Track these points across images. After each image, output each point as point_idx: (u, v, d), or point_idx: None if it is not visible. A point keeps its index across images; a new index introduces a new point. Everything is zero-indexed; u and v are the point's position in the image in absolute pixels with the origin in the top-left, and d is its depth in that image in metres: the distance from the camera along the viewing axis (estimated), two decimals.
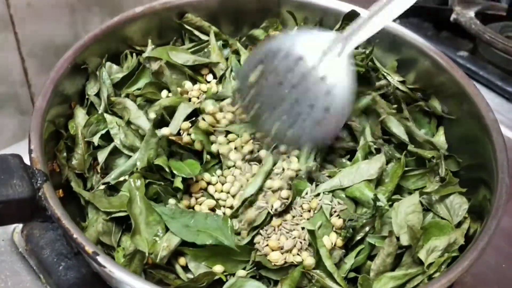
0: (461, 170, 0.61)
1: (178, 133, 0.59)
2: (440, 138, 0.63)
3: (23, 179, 0.47)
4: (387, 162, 0.59)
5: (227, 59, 0.69)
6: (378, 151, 0.60)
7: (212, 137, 0.60)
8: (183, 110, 0.60)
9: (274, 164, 0.58)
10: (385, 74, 0.67)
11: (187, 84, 0.65)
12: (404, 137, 0.61)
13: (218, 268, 0.52)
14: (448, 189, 0.56)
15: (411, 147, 0.60)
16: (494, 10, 0.98)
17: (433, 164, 0.58)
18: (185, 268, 0.53)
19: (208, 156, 0.59)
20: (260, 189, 0.56)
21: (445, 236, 0.53)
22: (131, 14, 0.66)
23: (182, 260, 0.53)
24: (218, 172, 0.59)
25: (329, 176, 0.58)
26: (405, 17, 0.99)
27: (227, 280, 0.51)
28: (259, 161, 0.59)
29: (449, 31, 0.99)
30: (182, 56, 0.66)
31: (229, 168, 0.59)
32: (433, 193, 0.56)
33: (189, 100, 0.64)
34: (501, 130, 0.57)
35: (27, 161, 0.50)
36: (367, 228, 0.54)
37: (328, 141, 0.59)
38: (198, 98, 0.64)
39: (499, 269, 0.66)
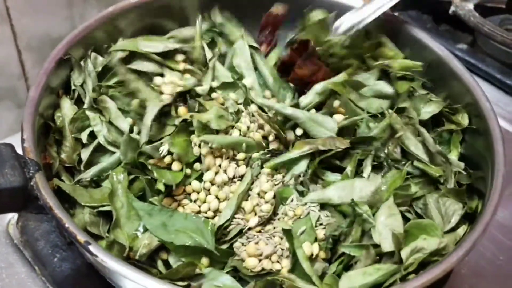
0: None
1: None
2: (452, 157, 0.59)
3: (15, 168, 0.46)
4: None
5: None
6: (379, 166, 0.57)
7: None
8: (150, 112, 0.56)
9: (253, 182, 0.56)
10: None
11: (156, 80, 0.60)
12: (423, 156, 0.57)
13: (204, 261, 0.51)
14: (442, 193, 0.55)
15: (417, 163, 0.56)
16: (493, 3, 0.97)
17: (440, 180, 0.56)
18: (167, 263, 0.52)
19: (189, 170, 0.56)
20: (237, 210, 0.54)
21: (435, 238, 0.50)
22: (126, 4, 0.65)
23: (164, 255, 0.52)
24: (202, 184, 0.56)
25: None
26: (404, 10, 0.99)
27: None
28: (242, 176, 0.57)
29: (448, 23, 0.98)
30: (154, 45, 0.61)
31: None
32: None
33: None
34: (497, 119, 0.57)
35: (20, 152, 0.50)
36: (350, 239, 0.51)
37: None
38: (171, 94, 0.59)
39: (496, 261, 0.66)
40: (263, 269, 0.50)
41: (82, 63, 0.61)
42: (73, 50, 0.60)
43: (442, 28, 0.99)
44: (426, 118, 0.60)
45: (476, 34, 0.96)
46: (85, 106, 0.60)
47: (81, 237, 0.44)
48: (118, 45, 0.62)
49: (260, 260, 0.51)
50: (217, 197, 0.56)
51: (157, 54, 0.62)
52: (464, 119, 0.61)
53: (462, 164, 0.58)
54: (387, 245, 0.49)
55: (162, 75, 0.62)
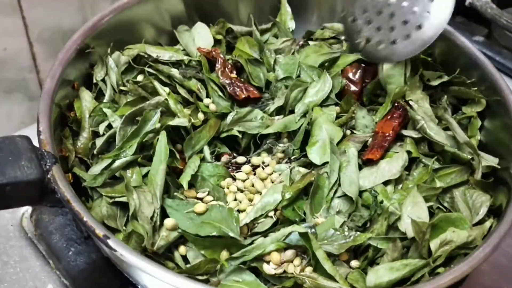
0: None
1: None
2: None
3: (32, 161, 0.46)
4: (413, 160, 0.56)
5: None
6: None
7: None
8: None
9: None
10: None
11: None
12: (446, 142, 0.57)
13: (224, 254, 0.50)
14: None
15: (448, 148, 0.56)
16: None
17: (469, 163, 0.55)
18: (185, 258, 0.51)
19: None
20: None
21: (463, 231, 0.49)
22: None
23: (182, 249, 0.51)
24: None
25: None
26: None
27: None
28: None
29: (464, 16, 0.97)
30: (161, 51, 0.64)
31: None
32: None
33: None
34: None
35: (35, 144, 0.49)
36: (375, 232, 0.51)
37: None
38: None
39: None
40: (284, 271, 0.49)
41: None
42: (88, 41, 0.59)
43: (457, 20, 0.98)
44: (436, 84, 0.63)
45: (492, 26, 0.95)
46: (105, 100, 0.60)
47: (100, 231, 0.44)
48: (130, 46, 0.64)
49: (281, 263, 0.50)
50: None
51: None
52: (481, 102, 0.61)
53: (496, 160, 0.57)
54: (411, 232, 0.48)
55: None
